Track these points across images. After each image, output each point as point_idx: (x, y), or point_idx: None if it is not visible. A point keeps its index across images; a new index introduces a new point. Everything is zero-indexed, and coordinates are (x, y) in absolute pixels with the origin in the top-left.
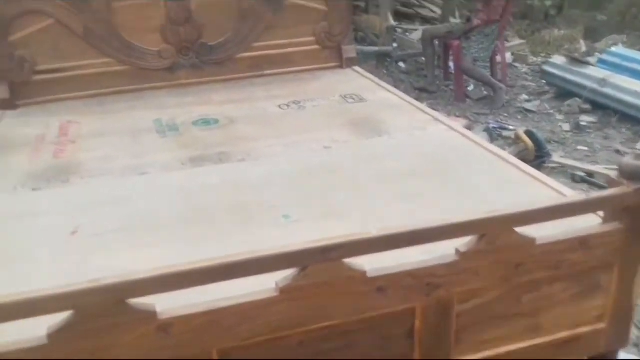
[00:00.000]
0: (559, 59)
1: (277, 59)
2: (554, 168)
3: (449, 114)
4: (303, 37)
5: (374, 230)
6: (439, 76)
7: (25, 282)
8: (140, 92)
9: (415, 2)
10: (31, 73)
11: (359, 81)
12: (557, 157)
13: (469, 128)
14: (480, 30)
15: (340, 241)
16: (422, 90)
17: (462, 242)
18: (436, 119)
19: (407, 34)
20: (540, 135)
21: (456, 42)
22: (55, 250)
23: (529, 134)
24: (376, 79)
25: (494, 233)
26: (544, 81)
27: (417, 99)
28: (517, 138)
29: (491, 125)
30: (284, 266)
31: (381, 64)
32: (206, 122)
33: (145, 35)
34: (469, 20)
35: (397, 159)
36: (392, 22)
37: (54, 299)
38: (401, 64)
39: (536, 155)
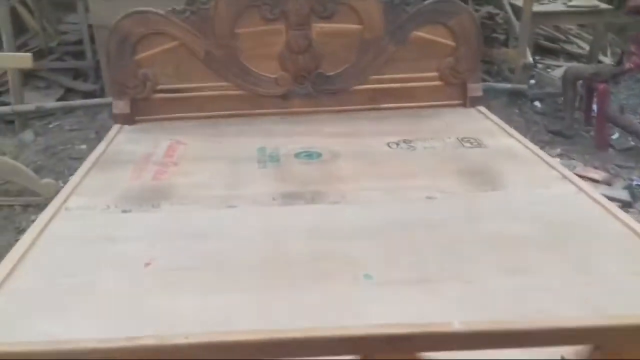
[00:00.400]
0: None
1: (395, 93)
2: None
3: (585, 163)
4: (426, 72)
5: (456, 322)
6: (579, 120)
7: (79, 312)
8: (251, 117)
9: (562, 36)
10: (152, 91)
11: (481, 123)
12: None
13: (608, 182)
14: (632, 75)
15: (412, 331)
16: (557, 133)
17: (571, 349)
18: (564, 177)
19: (549, 70)
20: None
21: (603, 85)
22: (122, 281)
23: None
24: (501, 122)
25: (615, 345)
26: None
27: (550, 142)
28: None
29: (635, 183)
30: (341, 352)
31: (513, 102)
32: (309, 155)
33: (263, 62)
34: (620, 62)
35: (510, 222)
36: (530, 59)
37: None
38: (537, 103)
39: None
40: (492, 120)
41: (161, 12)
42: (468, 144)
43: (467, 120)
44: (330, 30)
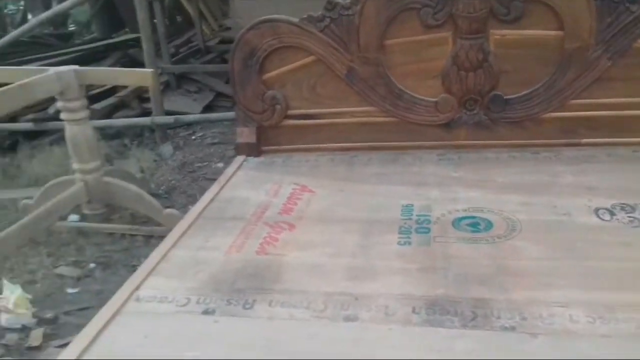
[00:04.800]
0: None
1: (606, 124)
2: None
3: None
4: None
5: None
6: None
7: None
8: (400, 152)
9: None
10: (282, 117)
11: None
12: None
13: None
14: None
15: None
16: None
17: None
18: None
19: None
20: None
21: None
22: None
23: None
24: None
25: None
26: None
27: None
28: None
29: None
30: None
31: None
32: (474, 224)
33: (420, 81)
34: None
35: None
36: None
37: None
38: None
39: None
40: None
41: (295, 20)
42: None
43: None
44: (515, 39)
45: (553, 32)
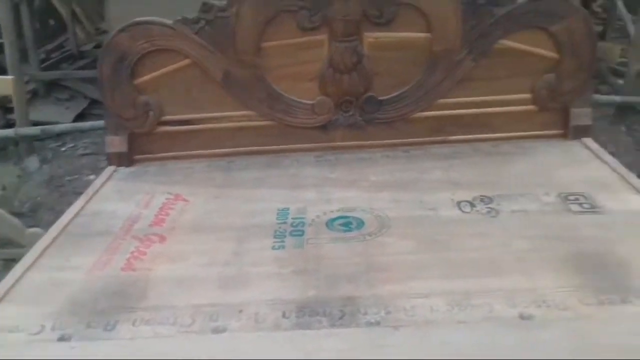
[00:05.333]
0: None
1: (470, 122)
2: None
3: None
4: (513, 94)
5: None
6: None
7: None
8: (279, 155)
9: None
10: (155, 123)
11: (591, 167)
12: None
13: None
14: None
15: None
16: None
17: None
18: None
19: None
20: None
21: None
22: None
23: None
24: (620, 166)
25: None
26: None
27: None
28: None
29: None
30: None
31: (619, 116)
32: (347, 224)
33: (297, 84)
34: None
35: None
36: None
37: None
38: None
39: None
40: (607, 163)
41: (168, 22)
42: (576, 206)
43: (570, 163)
44: (387, 42)
45: (422, 35)
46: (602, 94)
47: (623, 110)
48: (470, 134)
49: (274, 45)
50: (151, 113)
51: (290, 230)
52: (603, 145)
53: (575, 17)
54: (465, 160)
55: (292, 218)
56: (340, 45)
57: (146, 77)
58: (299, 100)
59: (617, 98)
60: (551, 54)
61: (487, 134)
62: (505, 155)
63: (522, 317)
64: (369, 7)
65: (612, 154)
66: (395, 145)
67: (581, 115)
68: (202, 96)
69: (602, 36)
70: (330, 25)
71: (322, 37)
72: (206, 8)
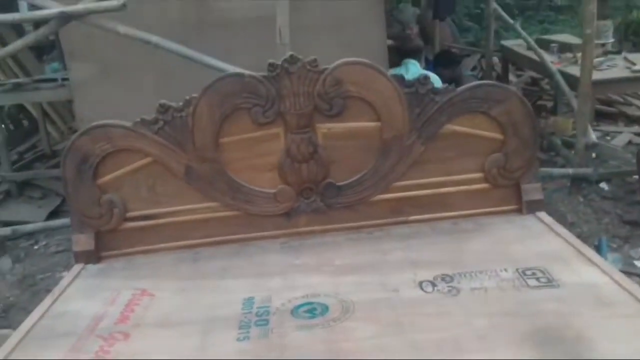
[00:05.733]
0: None
1: (427, 202)
2: None
3: None
4: (466, 173)
5: None
6: None
7: None
8: (244, 244)
9: (619, 98)
10: (121, 220)
11: (546, 241)
12: None
13: None
14: None
15: None
16: (635, 224)
17: None
18: None
19: (608, 138)
20: None
21: None
22: None
23: None
24: (573, 239)
25: None
26: None
27: (628, 238)
28: None
29: None
30: None
31: (575, 187)
32: (311, 310)
33: (258, 175)
34: None
35: None
36: (593, 136)
37: None
38: (603, 185)
39: None
40: (560, 236)
41: (127, 124)
42: (534, 281)
43: (526, 237)
44: (339, 132)
45: (372, 124)
46: (557, 166)
47: (578, 182)
48: (428, 214)
49: (232, 141)
50: (116, 210)
51: (255, 320)
52: (563, 216)
53: (512, 100)
54: (425, 240)
55: (257, 307)
56: (296, 137)
57: (109, 177)
58: (260, 189)
59: (571, 170)
60: (495, 135)
61: (445, 212)
62: (464, 232)
63: None
64: (318, 102)
65: (572, 224)
66: (358, 227)
67: (531, 190)
68: (165, 191)
69: (553, 111)
70: (284, 118)
71: (277, 130)
72: (163, 109)
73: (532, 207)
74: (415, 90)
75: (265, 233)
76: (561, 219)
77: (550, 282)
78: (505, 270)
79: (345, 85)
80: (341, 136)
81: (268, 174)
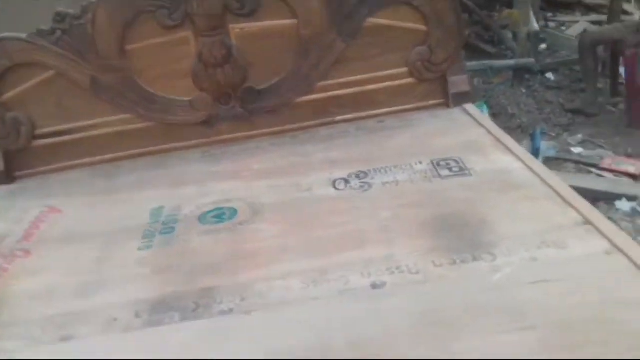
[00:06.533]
0: None
1: (353, 101)
2: None
3: (616, 150)
4: (391, 69)
5: None
6: (603, 92)
7: None
8: (166, 154)
9: None
10: (30, 138)
11: (466, 132)
12: None
13: None
14: None
15: None
16: (577, 112)
17: None
18: (588, 222)
19: (563, 28)
20: None
21: (631, 51)
22: None
23: None
24: (494, 127)
25: None
26: None
27: (569, 125)
28: None
29: None
30: None
31: (520, 79)
32: (219, 215)
33: (171, 82)
34: None
35: (508, 327)
36: (536, 25)
37: None
38: (549, 75)
39: None
40: (482, 126)
41: (23, 36)
42: (446, 171)
43: (447, 130)
44: (254, 31)
45: (288, 22)
46: (507, 59)
47: (521, 73)
48: (354, 113)
49: (139, 47)
50: (23, 128)
51: (161, 229)
52: (504, 108)
53: None
54: (349, 140)
55: (165, 216)
56: (207, 40)
57: (11, 94)
58: (175, 98)
59: (512, 62)
60: (419, 26)
61: (369, 110)
62: (389, 130)
63: (374, 286)
64: (229, 0)
65: (512, 115)
66: (282, 132)
67: (458, 82)
68: (73, 105)
69: (509, 4)
70: (193, 21)
71: (186, 33)
72: (60, 18)
73: (459, 100)
74: None
75: (186, 143)
76: (503, 112)
77: (462, 171)
78: (420, 162)
79: None
80: (256, 37)
81: (182, 81)
